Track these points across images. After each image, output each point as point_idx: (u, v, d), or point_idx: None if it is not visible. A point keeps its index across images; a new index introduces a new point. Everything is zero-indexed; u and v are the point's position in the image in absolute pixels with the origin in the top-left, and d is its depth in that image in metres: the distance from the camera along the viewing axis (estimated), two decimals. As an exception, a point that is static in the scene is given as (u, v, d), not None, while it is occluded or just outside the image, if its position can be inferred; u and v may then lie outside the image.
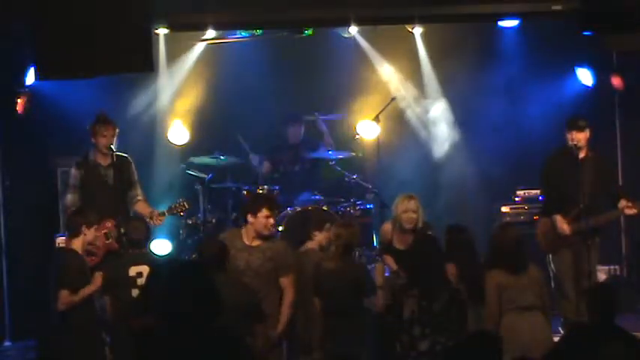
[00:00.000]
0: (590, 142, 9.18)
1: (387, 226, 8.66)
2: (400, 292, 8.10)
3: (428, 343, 7.88)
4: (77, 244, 7.98)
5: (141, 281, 7.80)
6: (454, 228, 8.43)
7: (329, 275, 7.93)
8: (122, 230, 8.86)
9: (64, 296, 7.75)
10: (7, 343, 10.17)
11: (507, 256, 7.68)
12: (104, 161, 9.12)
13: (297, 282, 8.07)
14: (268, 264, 8.00)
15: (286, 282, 7.99)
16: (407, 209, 8.44)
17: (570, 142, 9.10)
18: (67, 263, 7.91)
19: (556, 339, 7.20)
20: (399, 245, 8.54)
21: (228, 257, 7.66)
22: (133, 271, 7.88)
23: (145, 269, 7.80)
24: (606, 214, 9.10)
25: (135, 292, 7.81)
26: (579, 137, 9.07)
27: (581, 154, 9.06)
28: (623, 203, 9.03)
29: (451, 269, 8.13)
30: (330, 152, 11.23)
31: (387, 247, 8.62)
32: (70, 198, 9.18)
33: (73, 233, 8.03)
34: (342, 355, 7.53)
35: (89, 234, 8.02)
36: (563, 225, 8.99)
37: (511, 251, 7.70)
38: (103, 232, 8.79)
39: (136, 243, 8.12)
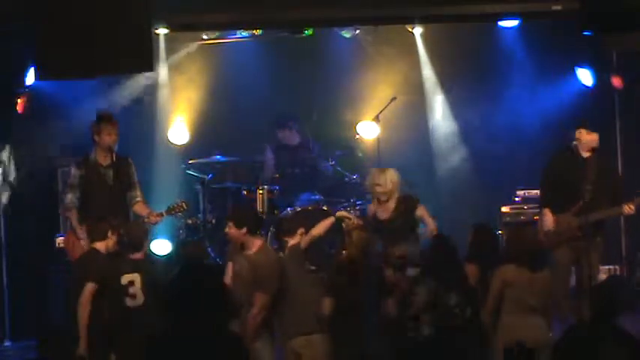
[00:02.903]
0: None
1: (372, 206, 9.23)
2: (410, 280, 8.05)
3: (431, 330, 7.76)
4: (101, 246, 8.09)
5: (133, 290, 7.77)
6: (480, 228, 8.35)
7: (350, 279, 7.91)
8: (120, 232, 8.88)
9: (89, 289, 7.77)
10: (7, 343, 10.16)
11: (527, 253, 7.61)
12: (104, 161, 9.11)
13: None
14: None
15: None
16: (374, 183, 9.08)
17: (594, 145, 9.09)
18: (93, 261, 8.01)
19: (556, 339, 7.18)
20: (381, 216, 9.07)
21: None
22: (125, 279, 7.83)
23: (136, 277, 7.79)
24: (606, 210, 9.08)
25: (129, 301, 7.77)
26: (595, 138, 9.12)
27: (588, 154, 9.10)
28: (624, 205, 9.03)
29: (472, 270, 8.04)
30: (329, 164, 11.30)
31: (370, 220, 9.05)
32: (69, 197, 9.15)
33: (99, 237, 8.15)
34: (358, 353, 7.54)
35: (112, 238, 8.16)
36: (547, 221, 8.99)
37: (531, 249, 7.65)
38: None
39: (132, 246, 8.08)
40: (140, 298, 7.76)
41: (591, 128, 9.17)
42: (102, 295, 7.89)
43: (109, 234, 8.14)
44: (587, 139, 9.15)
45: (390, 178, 9.07)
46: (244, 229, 8.08)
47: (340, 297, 7.88)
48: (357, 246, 8.10)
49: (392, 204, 9.06)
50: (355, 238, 8.16)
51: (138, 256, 7.98)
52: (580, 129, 9.18)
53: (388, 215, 9.07)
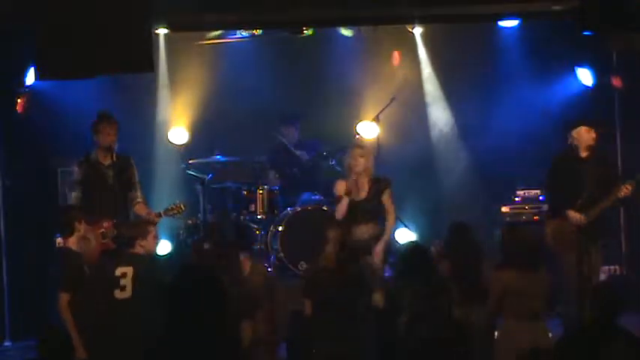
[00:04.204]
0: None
1: (342, 182, 9.07)
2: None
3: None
4: (72, 242, 7.92)
5: (124, 282, 7.70)
6: (455, 226, 8.38)
7: (326, 277, 7.91)
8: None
9: (63, 299, 7.71)
10: (7, 343, 10.17)
11: (526, 255, 7.58)
12: (105, 160, 9.12)
13: None
14: None
15: None
16: (358, 155, 9.01)
17: (591, 142, 9.03)
18: (64, 265, 7.85)
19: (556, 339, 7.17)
20: (357, 197, 8.99)
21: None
22: (118, 271, 7.76)
23: (129, 270, 7.72)
24: (604, 201, 9.00)
25: (118, 293, 7.71)
26: (594, 136, 9.07)
27: (586, 153, 9.06)
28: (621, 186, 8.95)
29: (446, 266, 8.08)
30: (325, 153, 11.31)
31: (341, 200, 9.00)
32: (75, 195, 9.15)
33: (68, 232, 7.96)
34: (338, 354, 7.51)
35: (81, 228, 7.96)
36: (576, 216, 8.90)
37: (530, 249, 7.61)
38: (99, 231, 8.78)
39: (124, 241, 8.01)
40: (129, 291, 7.73)
41: (590, 125, 9.09)
42: (91, 288, 7.80)
43: (76, 224, 7.91)
44: (585, 137, 9.08)
45: (370, 154, 9.17)
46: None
47: (320, 297, 7.88)
48: (335, 244, 8.08)
49: (366, 183, 9.02)
50: (332, 236, 8.15)
51: (136, 250, 7.94)
52: (579, 127, 9.10)
53: (365, 195, 9.02)
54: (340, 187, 9.03)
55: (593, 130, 9.08)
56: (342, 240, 8.12)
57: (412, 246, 8.14)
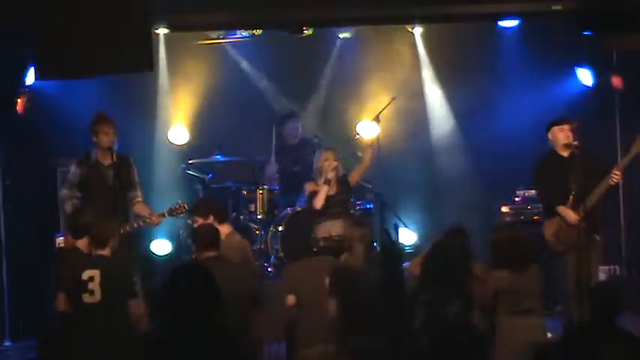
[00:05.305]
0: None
1: (311, 184, 9.83)
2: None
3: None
4: (82, 243, 7.89)
5: (92, 286, 7.54)
6: (448, 231, 8.33)
7: (356, 277, 7.86)
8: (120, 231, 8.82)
9: (61, 299, 7.67)
10: (7, 343, 10.17)
11: (519, 255, 7.58)
12: (105, 161, 9.13)
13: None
14: None
15: None
16: (334, 159, 9.73)
17: (566, 141, 9.03)
18: (66, 264, 7.79)
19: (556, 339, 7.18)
20: (328, 192, 9.69)
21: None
22: (85, 275, 7.58)
23: (96, 274, 7.55)
24: (596, 190, 8.95)
25: (86, 297, 7.54)
26: (569, 134, 9.06)
27: (566, 152, 9.04)
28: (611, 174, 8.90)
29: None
30: None
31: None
32: (64, 193, 9.17)
33: (83, 233, 7.91)
34: (366, 350, 7.48)
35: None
36: (569, 213, 8.89)
37: (515, 249, 7.61)
38: None
39: (99, 242, 7.84)
40: (97, 295, 7.61)
41: (561, 123, 9.06)
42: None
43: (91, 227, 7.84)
44: (560, 136, 9.06)
45: (337, 157, 9.85)
46: (211, 218, 8.19)
47: (344, 297, 7.84)
48: (363, 243, 8.04)
49: (335, 181, 9.75)
50: (359, 235, 8.11)
51: (104, 252, 7.80)
52: (552, 128, 9.10)
53: (334, 191, 9.72)
54: (310, 186, 9.74)
55: (567, 129, 9.06)
56: (370, 239, 8.09)
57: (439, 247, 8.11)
